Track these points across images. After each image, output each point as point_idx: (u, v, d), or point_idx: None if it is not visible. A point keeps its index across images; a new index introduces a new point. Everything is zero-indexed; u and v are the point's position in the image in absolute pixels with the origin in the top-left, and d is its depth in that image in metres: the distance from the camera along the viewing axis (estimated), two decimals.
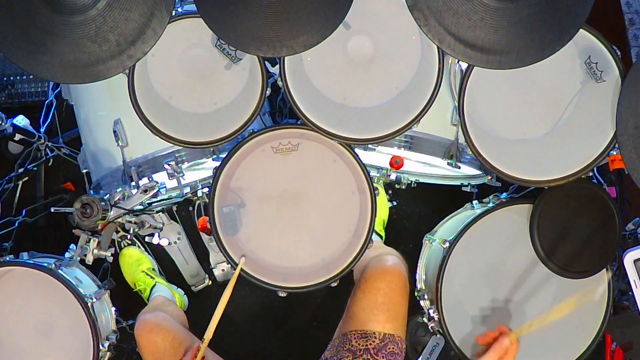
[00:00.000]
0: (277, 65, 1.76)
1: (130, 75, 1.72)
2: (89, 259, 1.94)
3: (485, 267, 1.92)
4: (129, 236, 2.35)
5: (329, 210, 1.84)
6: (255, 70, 1.77)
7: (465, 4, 1.58)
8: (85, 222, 1.81)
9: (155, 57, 1.77)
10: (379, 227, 2.33)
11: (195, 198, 2.10)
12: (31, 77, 2.52)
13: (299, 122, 1.80)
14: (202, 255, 2.41)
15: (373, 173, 2.06)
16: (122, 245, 2.36)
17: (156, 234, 2.25)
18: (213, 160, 1.87)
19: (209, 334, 1.66)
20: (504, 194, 2.00)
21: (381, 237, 2.33)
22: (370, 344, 1.73)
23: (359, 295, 1.81)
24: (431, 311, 1.90)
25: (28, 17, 1.60)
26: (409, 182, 2.12)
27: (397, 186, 2.12)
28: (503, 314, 1.92)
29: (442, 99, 1.79)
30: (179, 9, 1.75)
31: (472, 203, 2.04)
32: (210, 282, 2.40)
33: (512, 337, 1.57)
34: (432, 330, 1.95)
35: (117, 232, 2.32)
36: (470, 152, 1.76)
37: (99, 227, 1.89)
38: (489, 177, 1.99)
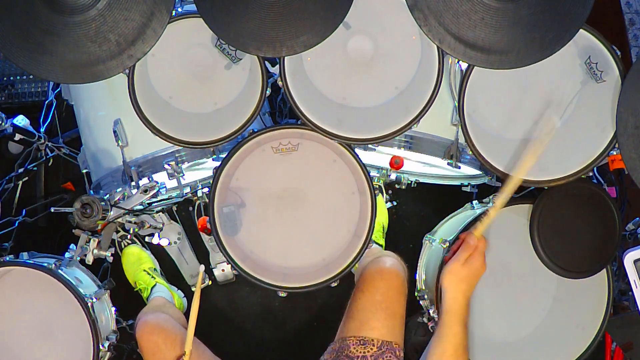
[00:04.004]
0: (277, 65, 1.76)
1: (130, 75, 1.72)
2: (89, 259, 1.94)
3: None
4: (129, 236, 2.35)
5: (329, 211, 1.84)
6: (255, 70, 1.77)
7: (465, 4, 1.58)
8: (85, 222, 1.81)
9: (155, 57, 1.77)
10: (378, 234, 2.32)
11: (195, 198, 2.10)
12: (31, 77, 2.52)
13: (299, 122, 1.80)
14: (202, 255, 2.41)
15: (373, 173, 2.06)
16: (123, 245, 2.36)
17: (156, 234, 2.25)
18: (213, 160, 1.87)
19: (188, 346, 1.66)
20: None
21: (381, 246, 2.32)
22: (368, 352, 1.74)
23: (358, 295, 1.83)
24: (431, 311, 1.90)
25: (28, 17, 1.60)
26: (409, 182, 2.12)
27: (397, 186, 2.12)
28: (503, 313, 1.92)
29: (442, 99, 1.79)
30: (179, 9, 1.75)
31: (472, 203, 2.04)
32: (210, 282, 2.39)
33: (477, 234, 1.54)
34: (432, 331, 1.95)
35: (117, 232, 2.32)
36: (470, 152, 1.76)
37: (99, 227, 1.89)
38: (489, 177, 1.99)
